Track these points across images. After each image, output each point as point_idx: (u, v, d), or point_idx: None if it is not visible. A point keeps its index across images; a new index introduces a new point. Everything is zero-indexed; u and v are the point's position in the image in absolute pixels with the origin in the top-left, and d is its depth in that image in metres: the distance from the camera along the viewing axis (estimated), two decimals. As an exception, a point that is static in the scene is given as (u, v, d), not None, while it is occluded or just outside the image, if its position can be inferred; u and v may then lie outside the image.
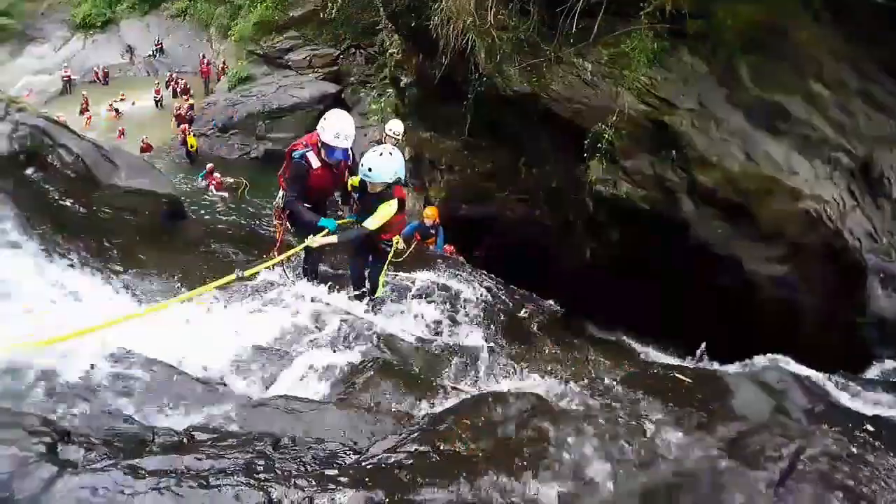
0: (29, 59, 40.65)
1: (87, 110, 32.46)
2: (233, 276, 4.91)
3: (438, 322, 6.46)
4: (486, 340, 6.21)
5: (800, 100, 7.74)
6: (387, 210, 5.67)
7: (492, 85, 9.08)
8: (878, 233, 7.94)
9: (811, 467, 3.29)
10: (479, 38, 8.75)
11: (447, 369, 5.37)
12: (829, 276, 7.90)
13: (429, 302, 6.82)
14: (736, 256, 8.10)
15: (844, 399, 5.60)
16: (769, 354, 6.47)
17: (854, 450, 3.54)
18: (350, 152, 6.01)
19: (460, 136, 10.63)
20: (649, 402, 4.10)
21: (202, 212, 16.08)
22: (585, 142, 8.32)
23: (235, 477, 2.88)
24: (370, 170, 5.42)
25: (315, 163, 5.81)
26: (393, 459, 3.25)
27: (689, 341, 8.35)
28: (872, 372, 7.27)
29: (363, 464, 3.26)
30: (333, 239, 5.63)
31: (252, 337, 5.18)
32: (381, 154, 5.46)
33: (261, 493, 2.79)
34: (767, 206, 7.77)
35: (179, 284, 5.97)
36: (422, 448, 3.33)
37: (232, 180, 22.42)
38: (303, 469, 3.08)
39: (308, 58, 28.03)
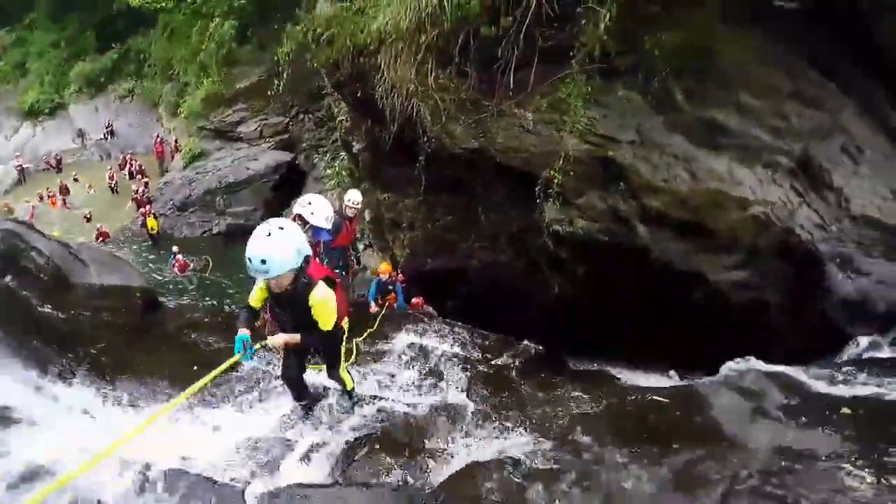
0: (-20, 151, 40.44)
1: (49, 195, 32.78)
2: (237, 358, 4.44)
3: (421, 383, 6.63)
4: (468, 395, 6.40)
5: (734, 112, 8.12)
6: (323, 297, 4.48)
7: (441, 144, 9.28)
8: (826, 222, 8.35)
9: (746, 485, 3.63)
10: (423, 102, 9.03)
11: (439, 431, 5.52)
12: (789, 272, 8.26)
13: (409, 364, 7.02)
14: (698, 270, 8.36)
15: (822, 387, 6.00)
16: (742, 359, 6.74)
17: (783, 463, 3.90)
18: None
19: (417, 195, 10.81)
20: (616, 445, 4.47)
21: (174, 298, 16.20)
22: (537, 187, 8.53)
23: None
24: (264, 262, 4.10)
25: None
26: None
27: (667, 360, 8.66)
28: (847, 353, 7.76)
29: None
30: (296, 337, 4.60)
31: (248, 430, 5.34)
32: (268, 234, 4.16)
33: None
34: (719, 219, 8.08)
35: (168, 384, 6.11)
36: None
37: (194, 262, 22.58)
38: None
39: (259, 128, 28.35)
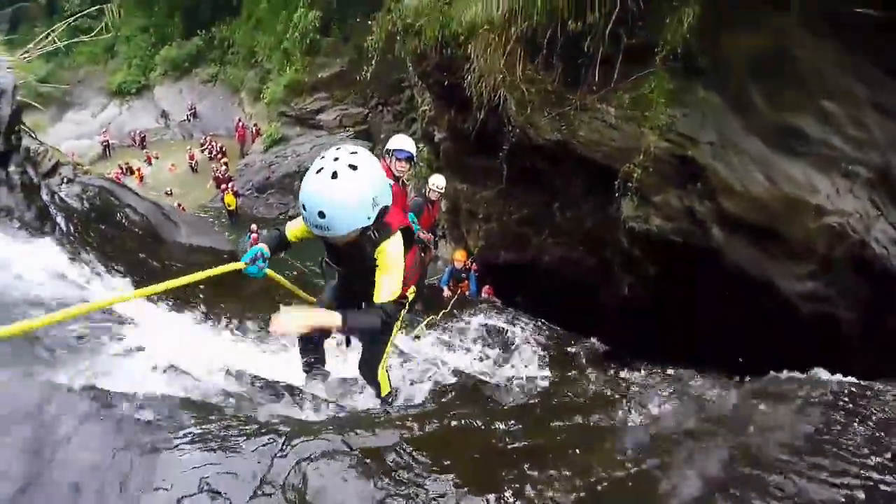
0: (69, 125, 42.66)
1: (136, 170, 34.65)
2: (239, 266, 3.52)
3: (496, 357, 6.89)
4: (542, 371, 6.62)
5: (812, 119, 7.92)
6: (392, 257, 3.36)
7: (524, 135, 9.44)
8: (904, 238, 8.08)
9: (820, 399, 3.83)
10: (510, 93, 9.24)
11: (516, 396, 5.63)
12: (861, 288, 7.99)
13: (484, 341, 7.28)
14: (769, 278, 8.22)
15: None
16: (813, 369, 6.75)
17: (851, 388, 4.08)
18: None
19: (496, 186, 11.02)
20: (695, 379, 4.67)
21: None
22: (616, 182, 8.62)
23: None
24: (322, 215, 2.94)
25: None
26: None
27: (735, 367, 8.65)
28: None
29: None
30: (335, 320, 3.20)
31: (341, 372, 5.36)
32: (333, 174, 2.94)
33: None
34: (794, 226, 7.90)
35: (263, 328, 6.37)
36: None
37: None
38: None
39: (338, 117, 28.96)
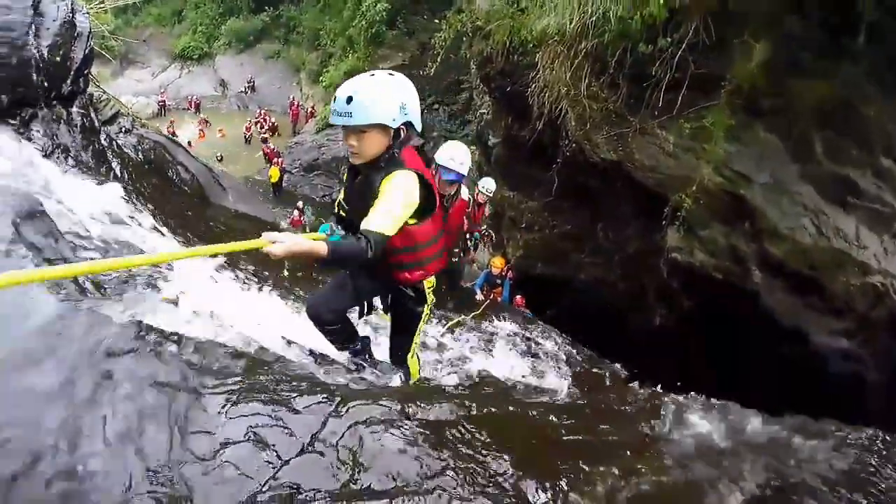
0: (129, 82, 43.60)
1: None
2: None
3: (522, 365, 6.87)
4: (567, 386, 6.60)
5: (870, 175, 7.79)
6: (392, 185, 3.08)
7: (580, 150, 9.44)
8: (946, 307, 7.88)
9: (855, 441, 3.82)
10: (572, 107, 9.24)
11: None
12: (895, 351, 7.85)
13: (512, 348, 7.28)
14: (802, 328, 8.13)
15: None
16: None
17: (886, 436, 4.06)
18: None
19: (543, 198, 11.05)
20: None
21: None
22: (665, 210, 8.59)
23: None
24: (349, 100, 2.98)
25: None
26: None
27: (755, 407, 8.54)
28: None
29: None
30: (320, 248, 2.82)
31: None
32: (371, 75, 3.16)
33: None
34: (836, 280, 7.79)
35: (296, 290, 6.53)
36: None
37: (312, 217, 23.49)
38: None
39: (393, 109, 28.88)
